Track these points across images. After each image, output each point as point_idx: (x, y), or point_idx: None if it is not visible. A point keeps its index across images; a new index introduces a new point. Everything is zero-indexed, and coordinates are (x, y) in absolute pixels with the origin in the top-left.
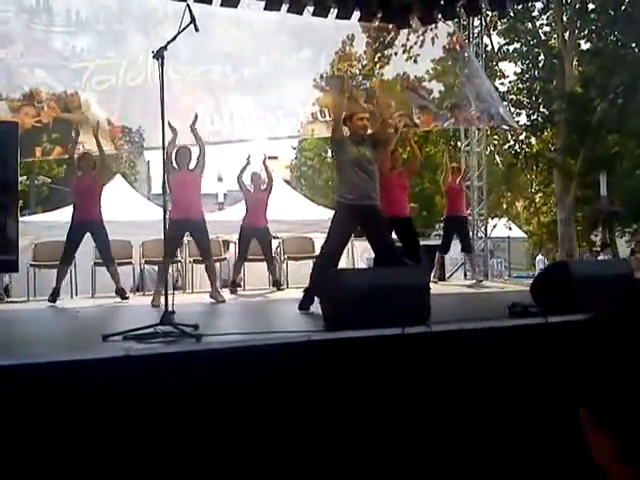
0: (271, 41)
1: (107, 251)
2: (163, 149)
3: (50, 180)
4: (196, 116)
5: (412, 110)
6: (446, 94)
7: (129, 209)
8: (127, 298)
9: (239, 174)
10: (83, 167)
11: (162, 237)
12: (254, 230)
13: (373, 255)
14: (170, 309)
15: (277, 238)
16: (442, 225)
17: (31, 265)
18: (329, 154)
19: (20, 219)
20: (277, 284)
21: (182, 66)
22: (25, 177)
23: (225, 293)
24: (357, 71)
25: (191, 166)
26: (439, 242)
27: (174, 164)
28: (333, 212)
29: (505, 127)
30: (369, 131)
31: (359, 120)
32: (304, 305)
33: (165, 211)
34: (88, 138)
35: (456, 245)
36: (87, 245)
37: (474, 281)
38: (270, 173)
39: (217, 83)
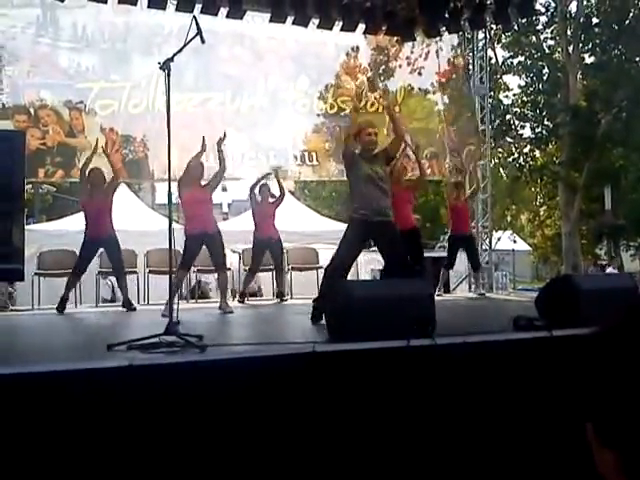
0: (272, 63)
1: (120, 265)
2: (169, 160)
3: (55, 189)
4: (225, 134)
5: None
6: (427, 141)
7: (133, 218)
8: (134, 309)
9: (252, 186)
10: (94, 182)
11: (167, 247)
12: (268, 242)
13: (378, 267)
14: (175, 319)
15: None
16: (447, 242)
17: (36, 274)
18: (333, 166)
19: (25, 227)
20: (281, 295)
21: (184, 94)
22: (30, 185)
23: (232, 302)
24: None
25: (202, 182)
26: (443, 254)
27: (186, 179)
28: (345, 226)
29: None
30: (379, 147)
31: (367, 135)
32: (316, 318)
33: (171, 221)
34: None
35: (460, 257)
36: None
37: (477, 295)
38: (283, 187)
39: (216, 114)
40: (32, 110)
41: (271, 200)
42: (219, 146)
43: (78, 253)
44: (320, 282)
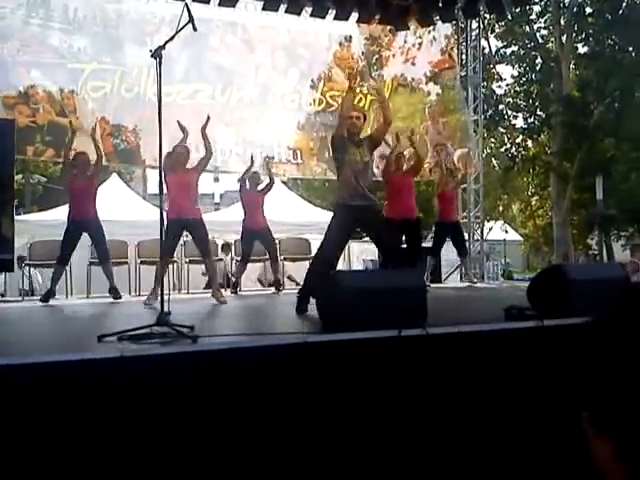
0: (264, 54)
1: (104, 250)
2: (160, 150)
3: (45, 179)
4: (208, 117)
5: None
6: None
7: (125, 209)
8: (120, 297)
9: (242, 176)
10: (79, 166)
11: (158, 237)
12: (255, 232)
13: (370, 257)
14: (166, 310)
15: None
16: (434, 229)
17: (26, 264)
18: (326, 155)
19: (15, 218)
20: (277, 284)
21: (174, 86)
22: (20, 175)
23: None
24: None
25: (188, 166)
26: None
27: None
28: (332, 213)
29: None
30: (367, 132)
31: (357, 119)
32: (301, 308)
33: (162, 211)
34: (82, 142)
35: (451, 247)
36: (83, 245)
37: (468, 284)
38: (272, 175)
39: (205, 106)
40: (22, 88)
41: (260, 188)
42: (203, 130)
43: (61, 242)
44: (306, 272)
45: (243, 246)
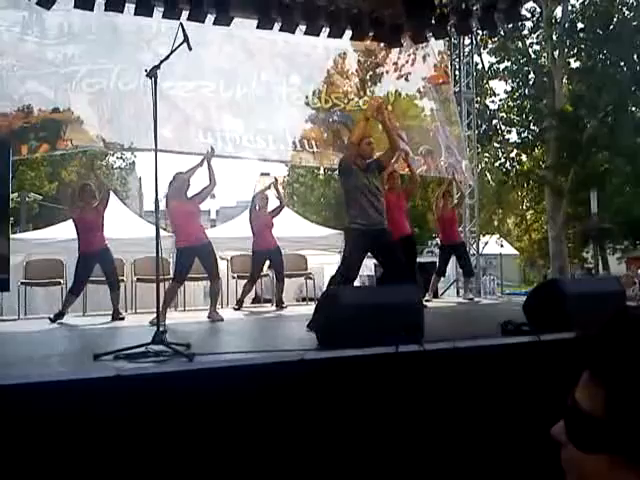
0: (263, 61)
1: (113, 279)
2: (156, 167)
3: (41, 197)
4: (212, 149)
5: None
6: (422, 139)
7: (120, 226)
8: (123, 319)
9: (255, 195)
10: (85, 198)
11: (154, 255)
12: (267, 252)
13: (366, 272)
14: (162, 328)
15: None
16: (439, 251)
17: (22, 283)
18: (321, 171)
19: (11, 236)
20: (280, 303)
21: (175, 82)
22: (16, 194)
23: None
24: (343, 102)
25: (189, 194)
26: (431, 259)
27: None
28: (345, 238)
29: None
30: (375, 156)
31: (367, 145)
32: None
33: (158, 229)
34: (76, 135)
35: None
36: None
37: (465, 300)
38: (282, 198)
39: (209, 99)
40: (16, 96)
41: (268, 210)
42: (208, 161)
43: (74, 273)
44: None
45: (254, 267)
